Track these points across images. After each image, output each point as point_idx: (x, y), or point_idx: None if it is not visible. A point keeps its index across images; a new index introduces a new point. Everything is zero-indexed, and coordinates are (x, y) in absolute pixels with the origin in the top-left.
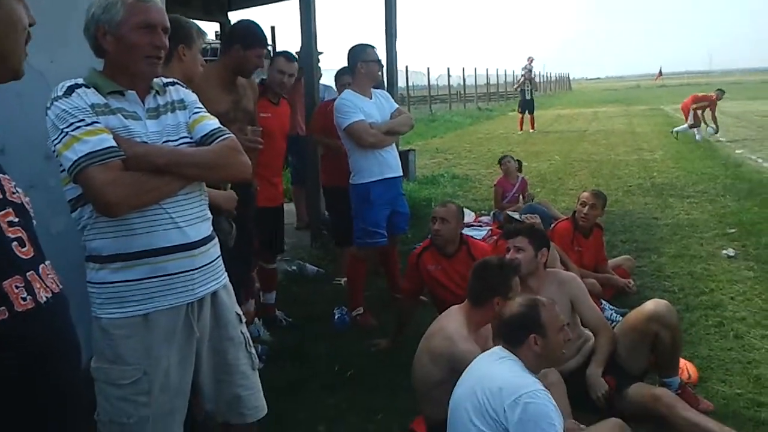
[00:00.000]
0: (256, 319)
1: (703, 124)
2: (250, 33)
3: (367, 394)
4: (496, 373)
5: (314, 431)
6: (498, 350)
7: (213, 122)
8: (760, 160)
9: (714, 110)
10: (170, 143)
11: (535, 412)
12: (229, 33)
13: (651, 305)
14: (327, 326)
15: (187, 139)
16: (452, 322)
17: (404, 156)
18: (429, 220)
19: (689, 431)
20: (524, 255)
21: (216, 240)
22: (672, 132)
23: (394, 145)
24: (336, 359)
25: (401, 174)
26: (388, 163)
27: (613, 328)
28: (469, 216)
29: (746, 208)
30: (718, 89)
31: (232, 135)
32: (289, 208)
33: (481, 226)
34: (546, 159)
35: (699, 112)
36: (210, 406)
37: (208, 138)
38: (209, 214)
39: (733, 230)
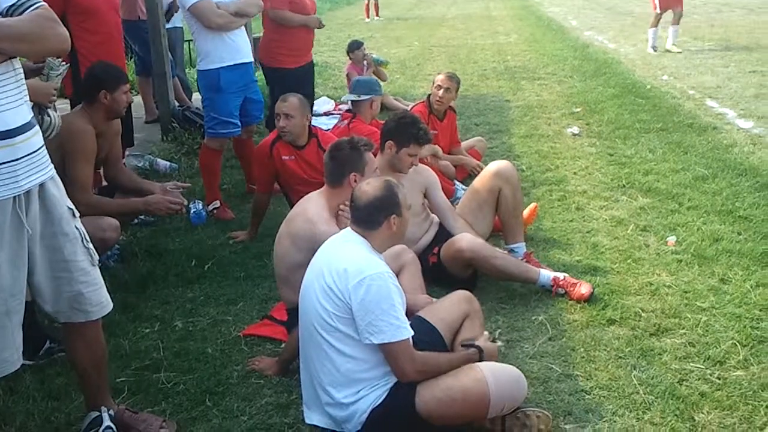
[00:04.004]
0: None
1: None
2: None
3: (226, 286)
4: (342, 255)
5: (171, 326)
6: (346, 232)
7: None
8: (606, 42)
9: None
10: None
11: (378, 293)
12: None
13: (494, 164)
14: (182, 221)
15: None
16: (313, 205)
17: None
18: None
19: (496, 275)
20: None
21: (38, 128)
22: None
23: (243, 28)
24: (193, 254)
25: (252, 60)
26: (238, 48)
27: None
28: (328, 104)
29: (591, 87)
30: None
31: (44, 3)
32: (137, 100)
33: (340, 114)
34: (406, 45)
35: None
36: (49, 307)
37: (16, 9)
38: (27, 97)
39: (578, 109)
